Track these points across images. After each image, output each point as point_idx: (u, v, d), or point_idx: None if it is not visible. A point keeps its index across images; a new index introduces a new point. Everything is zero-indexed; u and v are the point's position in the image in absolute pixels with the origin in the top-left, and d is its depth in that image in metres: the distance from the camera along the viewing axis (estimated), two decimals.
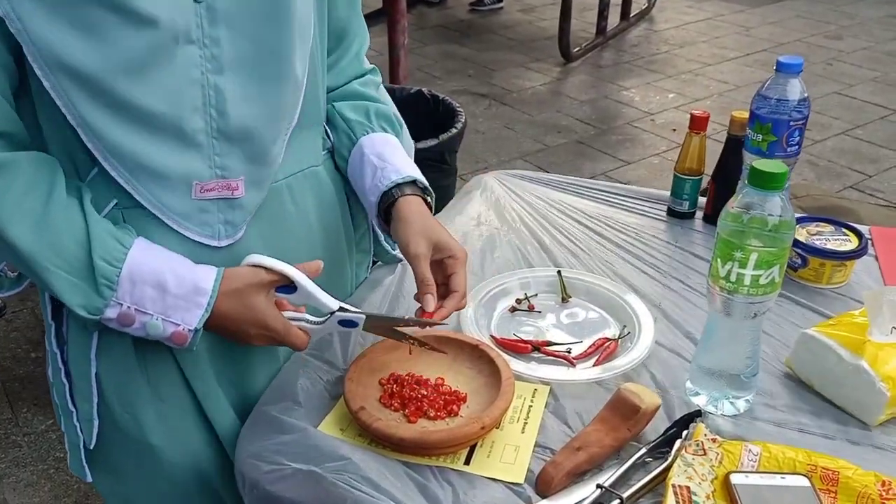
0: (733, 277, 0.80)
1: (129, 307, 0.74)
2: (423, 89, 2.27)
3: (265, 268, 0.78)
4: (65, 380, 0.85)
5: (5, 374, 2.14)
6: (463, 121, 2.11)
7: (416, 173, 0.91)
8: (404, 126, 1.00)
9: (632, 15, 4.92)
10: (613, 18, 4.78)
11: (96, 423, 0.84)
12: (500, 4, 5.36)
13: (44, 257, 0.71)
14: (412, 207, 0.87)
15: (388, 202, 0.88)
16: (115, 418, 0.84)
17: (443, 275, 0.85)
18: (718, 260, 0.81)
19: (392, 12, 2.91)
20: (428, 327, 0.85)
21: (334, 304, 0.81)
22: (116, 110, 0.71)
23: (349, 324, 0.83)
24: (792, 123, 1.05)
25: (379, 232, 0.98)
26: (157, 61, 0.70)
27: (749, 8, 5.33)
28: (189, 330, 0.76)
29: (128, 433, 0.84)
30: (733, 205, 0.80)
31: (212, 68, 0.74)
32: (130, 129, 0.72)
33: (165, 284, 0.75)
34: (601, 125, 3.63)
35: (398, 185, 0.88)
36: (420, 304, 0.83)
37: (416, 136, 1.92)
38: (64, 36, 0.66)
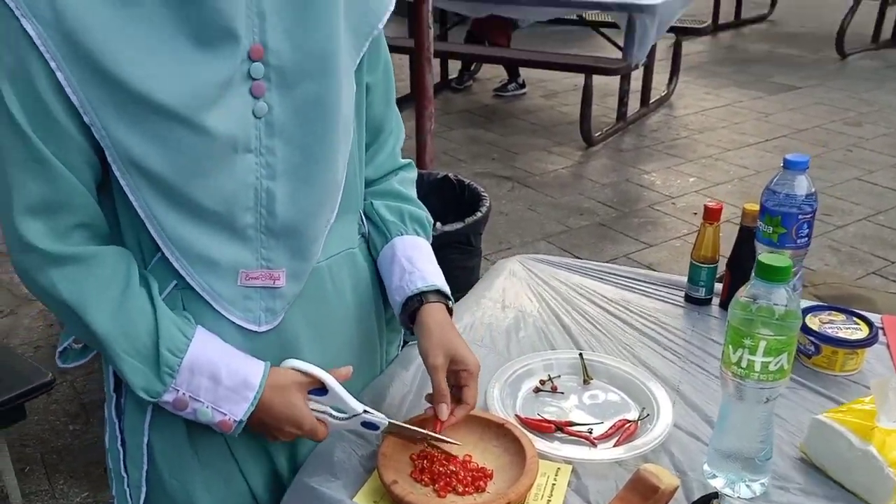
0: (744, 364, 0.85)
1: (184, 394, 0.82)
2: (450, 174, 2.37)
3: (302, 371, 0.86)
4: (120, 447, 0.91)
5: (44, 447, 2.20)
6: (487, 205, 2.21)
7: (440, 282, 0.98)
8: (432, 224, 1.09)
9: (651, 101, 5.07)
10: (633, 104, 4.93)
11: (144, 489, 0.91)
12: (524, 90, 5.55)
13: (116, 343, 0.80)
14: (434, 316, 0.94)
15: (412, 307, 0.96)
16: (164, 485, 0.90)
17: (456, 383, 0.93)
18: (730, 346, 0.86)
19: (420, 98, 3.06)
20: (442, 440, 0.91)
21: (359, 407, 0.88)
22: (179, 206, 0.80)
23: (371, 426, 0.90)
24: (801, 217, 1.12)
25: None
26: (219, 167, 0.79)
27: (767, 95, 5.47)
28: (234, 420, 0.83)
29: (175, 499, 0.90)
30: (742, 294, 0.86)
31: (265, 174, 0.83)
32: (189, 222, 0.81)
33: (219, 376, 0.83)
34: (623, 208, 3.72)
35: (423, 293, 0.96)
36: (432, 406, 0.91)
37: (443, 219, 2.02)
38: (139, 143, 0.76)
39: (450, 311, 0.99)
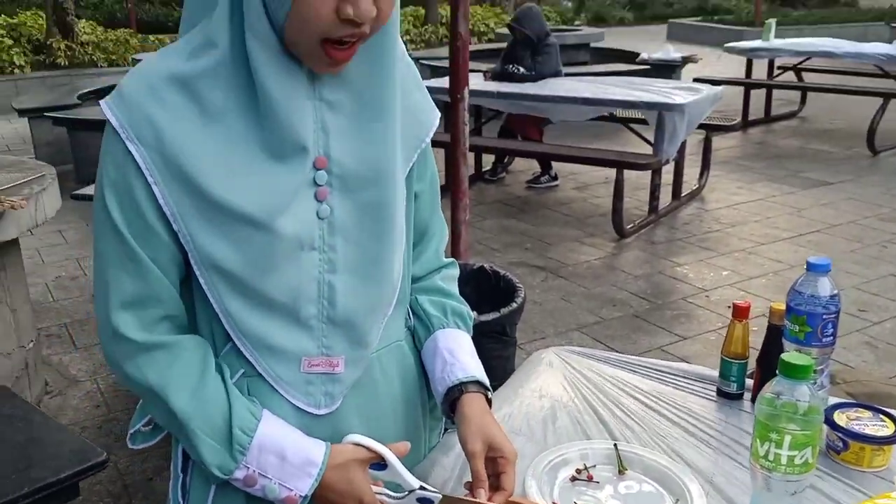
0: (771, 457, 0.90)
1: (254, 471, 0.90)
2: (486, 265, 2.47)
3: (364, 446, 0.93)
4: None
5: None
6: (522, 296, 2.29)
7: (479, 374, 1.06)
8: (472, 318, 1.17)
9: (683, 195, 5.17)
10: (665, 198, 5.03)
11: None
12: (556, 182, 5.70)
13: (195, 423, 0.88)
14: (473, 406, 1.01)
15: (453, 396, 1.03)
16: None
17: (494, 470, 0.98)
18: (757, 440, 0.92)
19: (455, 191, 3.21)
20: None
21: (416, 483, 0.94)
22: (249, 299, 0.90)
23: (427, 501, 0.95)
24: (825, 316, 1.18)
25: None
26: (286, 263, 0.89)
27: (800, 190, 5.54)
28: (299, 496, 0.90)
29: None
30: (767, 391, 0.92)
31: (327, 269, 0.92)
32: (258, 313, 0.90)
33: (285, 454, 0.90)
34: (656, 300, 3.77)
35: (463, 383, 1.03)
36: (470, 493, 0.96)
37: (479, 309, 2.10)
38: (218, 245, 0.86)
39: (488, 401, 1.05)
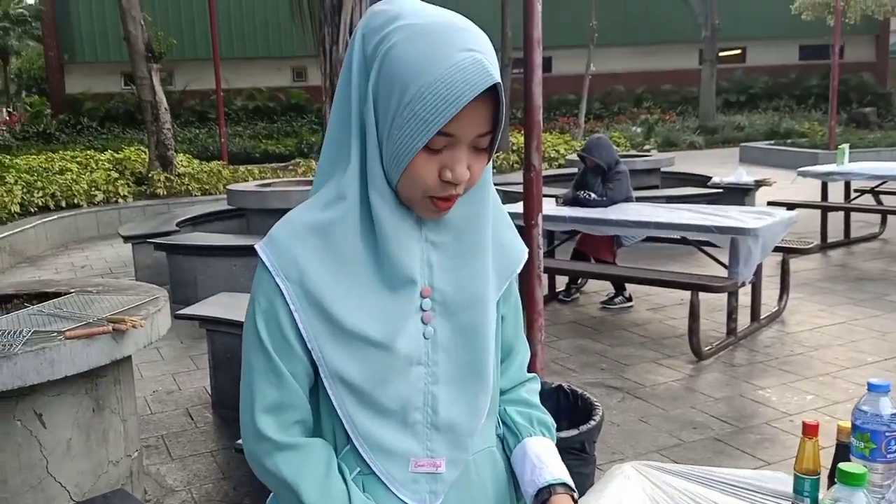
0: None
1: None
2: (563, 384, 2.57)
3: None
4: None
5: None
6: (600, 414, 2.37)
7: (565, 477, 1.17)
8: (555, 427, 1.29)
9: (762, 317, 5.15)
10: (743, 320, 5.03)
11: None
12: (630, 304, 5.77)
13: None
14: None
15: (543, 497, 1.15)
16: None
17: None
18: None
19: (530, 312, 3.36)
20: None
21: None
22: (367, 407, 1.06)
23: None
24: (888, 433, 1.26)
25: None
26: (398, 377, 1.06)
27: (884, 314, 5.43)
28: None
29: None
30: (828, 497, 1.01)
31: (431, 381, 1.08)
32: (373, 419, 1.06)
33: None
34: (738, 423, 3.73)
35: (552, 485, 1.15)
36: None
37: (557, 426, 2.19)
38: (344, 361, 1.04)
39: (575, 501, 1.16)
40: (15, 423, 2.64)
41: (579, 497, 1.49)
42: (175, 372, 4.77)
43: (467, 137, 0.98)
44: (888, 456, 1.27)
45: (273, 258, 1.04)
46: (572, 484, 1.18)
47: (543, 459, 1.18)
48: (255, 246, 1.07)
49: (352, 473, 1.08)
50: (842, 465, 1.00)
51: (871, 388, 1.28)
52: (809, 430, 1.43)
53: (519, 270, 1.21)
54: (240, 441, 2.87)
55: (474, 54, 0.95)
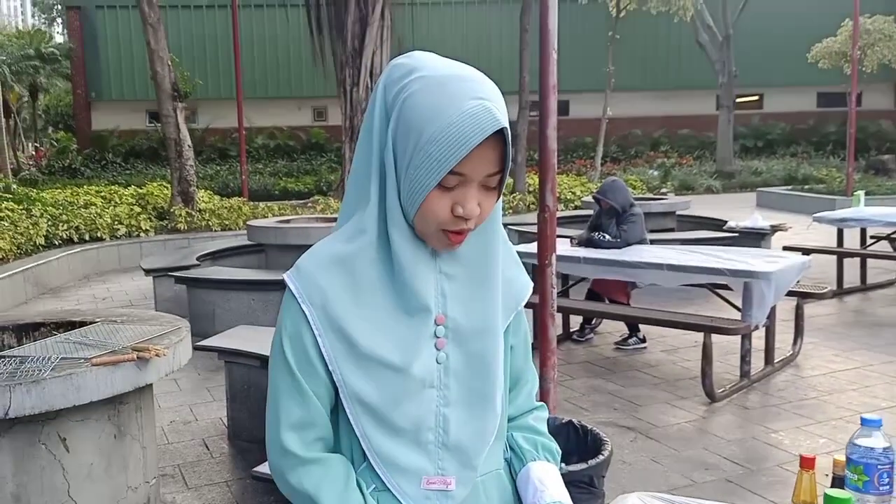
0: None
1: None
2: (574, 420, 2.62)
3: None
4: None
5: None
6: (609, 449, 2.41)
7: (565, 499, 1.23)
8: (560, 454, 1.36)
9: (777, 361, 5.16)
10: (758, 363, 5.04)
11: None
12: (644, 345, 5.80)
13: None
14: None
15: None
16: None
17: None
18: None
19: (543, 350, 3.42)
20: None
21: None
22: (383, 426, 1.13)
23: None
24: (879, 467, 1.31)
25: None
26: (412, 398, 1.13)
27: None
28: None
29: None
30: None
31: (443, 403, 1.16)
32: (389, 438, 1.13)
33: None
34: (750, 465, 3.74)
35: None
36: None
37: (566, 460, 2.24)
38: (363, 384, 1.12)
39: None
40: (40, 446, 2.71)
41: None
42: (192, 403, 4.84)
43: (477, 176, 1.08)
44: (881, 488, 1.32)
45: (300, 286, 1.13)
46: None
47: (545, 483, 1.25)
48: (284, 275, 1.15)
49: (368, 489, 1.15)
50: (828, 491, 1.05)
51: (864, 423, 1.34)
52: (806, 464, 1.48)
53: (524, 303, 1.28)
54: (256, 469, 2.93)
55: (483, 102, 1.05)
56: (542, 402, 1.40)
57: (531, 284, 1.30)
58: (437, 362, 1.15)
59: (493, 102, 1.06)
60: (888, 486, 1.31)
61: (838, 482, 1.40)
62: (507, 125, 1.07)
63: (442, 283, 1.15)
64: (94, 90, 23.08)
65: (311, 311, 1.12)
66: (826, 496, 1.05)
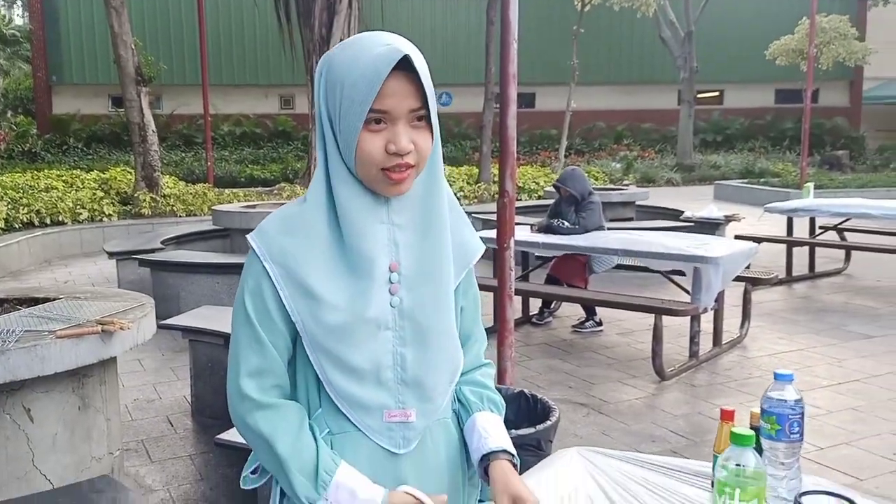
0: None
1: (331, 503, 1.20)
2: (525, 390, 2.75)
3: (414, 495, 1.23)
4: None
5: None
6: (557, 416, 2.55)
7: (507, 444, 1.35)
8: (504, 407, 1.47)
9: (724, 343, 5.37)
10: (707, 345, 5.24)
11: None
12: (600, 328, 5.98)
13: (293, 464, 1.21)
14: (500, 468, 1.31)
15: (486, 463, 1.33)
16: None
17: None
18: (717, 495, 1.18)
19: (501, 329, 3.56)
20: None
21: None
22: (344, 368, 1.24)
23: None
24: (791, 416, 1.45)
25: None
26: (370, 340, 1.24)
27: (841, 342, 5.67)
28: None
29: None
30: (722, 457, 1.20)
31: (399, 343, 1.27)
32: (350, 379, 1.24)
33: (355, 492, 1.21)
34: (694, 437, 3.92)
35: (493, 452, 1.33)
36: None
37: (517, 428, 2.37)
38: (323, 333, 1.22)
39: (515, 465, 1.34)
40: (4, 416, 2.77)
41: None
42: (156, 382, 4.89)
43: (401, 112, 1.19)
44: (791, 436, 1.47)
45: (262, 245, 1.23)
46: (513, 450, 1.36)
47: (489, 431, 1.36)
48: (247, 236, 1.26)
49: (322, 433, 1.26)
50: (734, 429, 1.19)
51: (777, 377, 1.48)
52: (726, 416, 1.62)
53: (474, 262, 1.40)
54: (219, 436, 3.01)
55: (391, 45, 1.17)
56: (489, 360, 1.51)
57: (483, 247, 1.42)
58: (392, 306, 1.26)
59: (402, 45, 1.17)
60: (798, 434, 1.45)
61: (754, 432, 1.54)
62: (414, 56, 1.17)
63: (394, 232, 1.26)
64: (56, 74, 22.62)
65: (272, 268, 1.22)
66: (732, 433, 1.18)
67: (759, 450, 1.50)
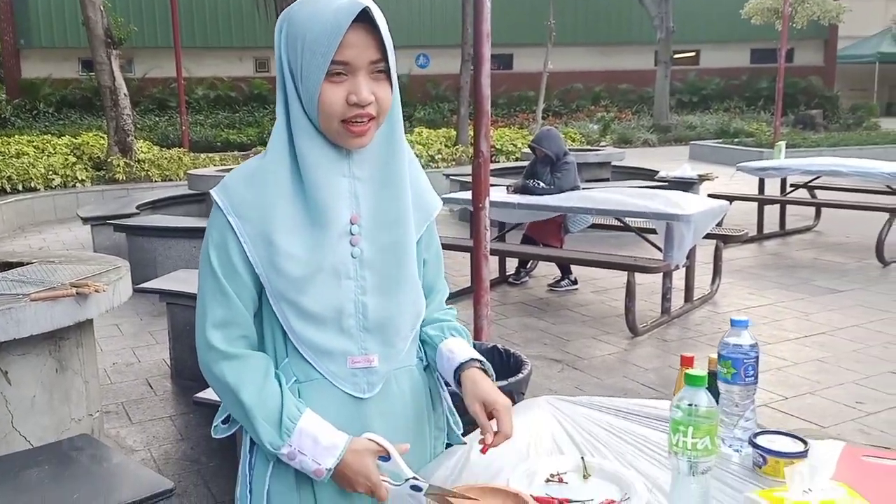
0: (681, 444, 1.23)
1: (295, 449, 1.25)
2: (498, 345, 2.82)
3: (377, 442, 1.28)
4: (248, 493, 1.33)
5: None
6: (529, 368, 2.62)
7: (474, 354, 1.41)
8: (470, 336, 1.52)
9: (696, 299, 5.48)
10: (679, 301, 5.35)
11: None
12: (576, 287, 6.07)
13: (257, 412, 1.25)
14: (470, 377, 1.37)
15: (458, 375, 1.38)
16: None
17: (495, 419, 1.32)
18: (672, 433, 1.25)
19: (477, 289, 3.62)
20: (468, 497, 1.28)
21: (410, 473, 1.28)
22: (307, 317, 1.28)
23: (417, 489, 1.28)
24: (746, 361, 1.52)
25: (450, 417, 1.48)
26: (332, 290, 1.28)
27: (809, 297, 5.81)
28: (325, 468, 1.25)
29: None
30: (677, 397, 1.25)
31: (360, 292, 1.31)
32: (314, 327, 1.28)
33: (318, 438, 1.25)
34: (664, 389, 4.03)
35: (463, 364, 1.39)
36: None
37: None
38: (287, 283, 1.25)
39: (487, 373, 1.40)
40: None
41: None
42: (135, 346, 4.92)
43: (362, 63, 1.22)
44: (746, 380, 1.53)
45: (225, 199, 1.26)
46: (481, 358, 1.42)
47: (455, 350, 1.42)
48: (211, 191, 1.29)
49: (288, 382, 1.30)
50: (688, 371, 1.25)
51: (734, 323, 1.54)
52: (685, 362, 1.68)
53: (433, 217, 1.44)
54: (197, 395, 3.05)
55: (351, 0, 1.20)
56: (451, 307, 1.56)
57: (440, 201, 1.46)
58: (353, 257, 1.30)
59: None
60: (752, 378, 1.52)
61: (712, 376, 1.61)
62: (373, 9, 1.20)
63: (354, 185, 1.29)
64: (24, 37, 22.06)
65: (235, 221, 1.25)
66: (685, 375, 1.24)
67: (717, 394, 1.57)
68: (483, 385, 1.36)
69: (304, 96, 1.23)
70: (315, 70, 1.20)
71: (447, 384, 1.47)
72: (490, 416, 1.34)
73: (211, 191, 1.29)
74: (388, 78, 1.26)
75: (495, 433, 1.32)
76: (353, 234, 1.30)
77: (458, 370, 1.39)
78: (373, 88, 1.23)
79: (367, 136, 1.26)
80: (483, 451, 1.31)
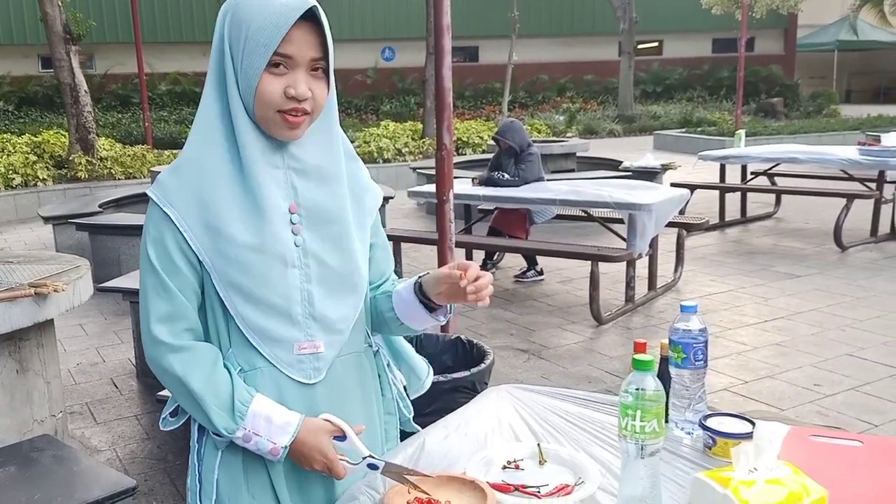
0: (629, 428, 1.27)
1: (249, 430, 1.28)
2: (461, 336, 2.85)
3: (332, 422, 1.30)
4: (198, 483, 1.35)
5: None
6: (491, 358, 2.66)
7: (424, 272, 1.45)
8: (418, 282, 1.50)
9: (659, 287, 5.57)
10: (642, 289, 5.43)
11: None
12: (542, 277, 6.13)
13: (208, 398, 1.27)
14: (429, 275, 1.42)
15: (419, 289, 1.42)
16: None
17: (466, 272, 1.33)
18: (621, 417, 1.29)
19: None
20: (421, 474, 1.31)
21: (366, 452, 1.31)
22: (255, 304, 1.30)
23: (374, 467, 1.31)
24: (695, 345, 1.57)
25: (400, 401, 1.53)
26: (277, 277, 1.30)
27: (769, 282, 5.94)
28: (281, 447, 1.28)
29: None
30: (625, 381, 1.29)
31: (305, 280, 1.33)
32: (261, 314, 1.30)
33: (272, 418, 1.28)
34: None
35: (418, 279, 1.43)
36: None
37: (454, 371, 2.47)
38: (233, 270, 1.28)
39: None
40: None
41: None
42: (99, 346, 4.86)
43: (303, 59, 1.25)
44: (696, 364, 1.58)
45: (160, 193, 1.28)
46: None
47: (404, 283, 1.47)
48: (147, 190, 1.30)
49: (236, 370, 1.32)
50: (636, 356, 1.29)
51: (683, 309, 1.58)
52: (639, 348, 1.73)
53: (378, 207, 1.48)
54: (161, 392, 3.04)
55: None
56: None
57: (381, 192, 1.51)
58: (296, 245, 1.32)
59: None
60: (702, 362, 1.57)
61: (664, 361, 1.66)
62: (318, 8, 1.23)
63: (291, 176, 1.32)
64: None
65: (173, 212, 1.27)
66: (633, 360, 1.28)
67: (669, 378, 1.61)
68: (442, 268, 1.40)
69: (242, 83, 1.25)
70: (257, 58, 1.23)
71: (422, 304, 1.44)
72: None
73: (147, 191, 1.31)
74: (327, 77, 1.29)
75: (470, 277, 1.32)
76: (293, 224, 1.33)
77: (417, 284, 1.43)
78: (310, 85, 1.26)
79: (299, 129, 1.29)
80: (463, 282, 1.31)
